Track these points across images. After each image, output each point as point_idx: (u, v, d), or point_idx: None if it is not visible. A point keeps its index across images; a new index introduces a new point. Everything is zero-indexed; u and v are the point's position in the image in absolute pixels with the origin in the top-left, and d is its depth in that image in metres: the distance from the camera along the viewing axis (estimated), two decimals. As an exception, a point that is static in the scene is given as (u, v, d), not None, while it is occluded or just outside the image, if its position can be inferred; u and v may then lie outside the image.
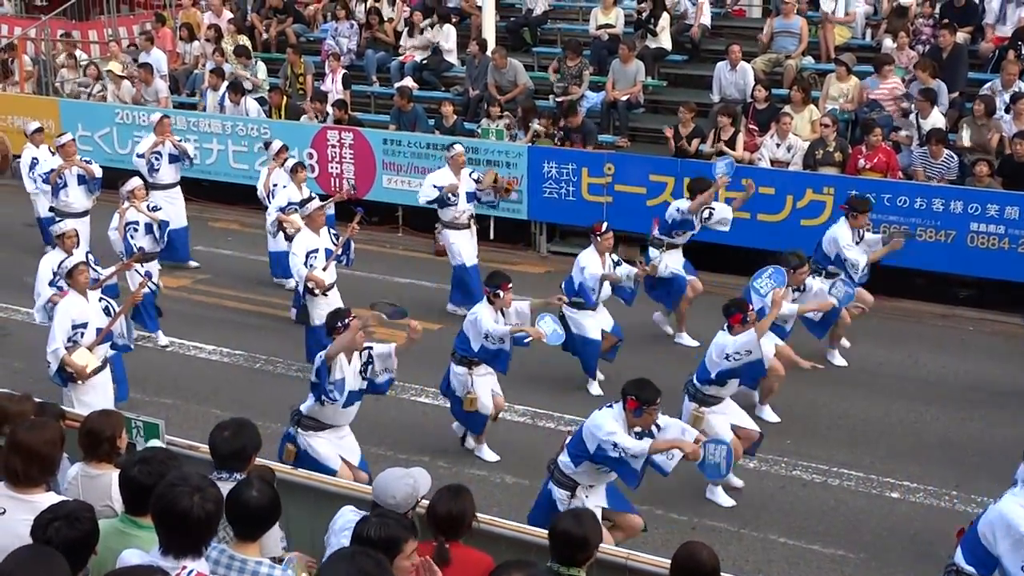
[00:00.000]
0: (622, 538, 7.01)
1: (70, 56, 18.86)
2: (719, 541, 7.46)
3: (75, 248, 9.42)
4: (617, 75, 14.71)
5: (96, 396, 8.34)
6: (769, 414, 9.45)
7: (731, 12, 17.04)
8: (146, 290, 9.35)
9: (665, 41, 15.38)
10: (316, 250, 10.15)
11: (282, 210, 11.68)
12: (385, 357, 7.60)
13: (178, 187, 13.61)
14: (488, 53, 15.46)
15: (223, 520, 4.17)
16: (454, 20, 16.81)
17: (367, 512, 4.83)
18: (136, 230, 11.12)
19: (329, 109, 15.28)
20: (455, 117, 14.77)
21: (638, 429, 6.74)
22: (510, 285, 8.69)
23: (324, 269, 10.10)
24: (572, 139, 13.84)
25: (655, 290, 10.94)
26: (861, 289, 10.54)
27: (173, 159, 13.40)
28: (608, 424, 6.66)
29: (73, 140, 13.14)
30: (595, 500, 6.93)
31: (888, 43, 14.14)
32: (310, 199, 10.99)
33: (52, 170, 12.77)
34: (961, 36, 13.72)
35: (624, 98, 14.60)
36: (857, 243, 10.33)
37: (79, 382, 8.40)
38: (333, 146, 14.93)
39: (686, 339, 11.15)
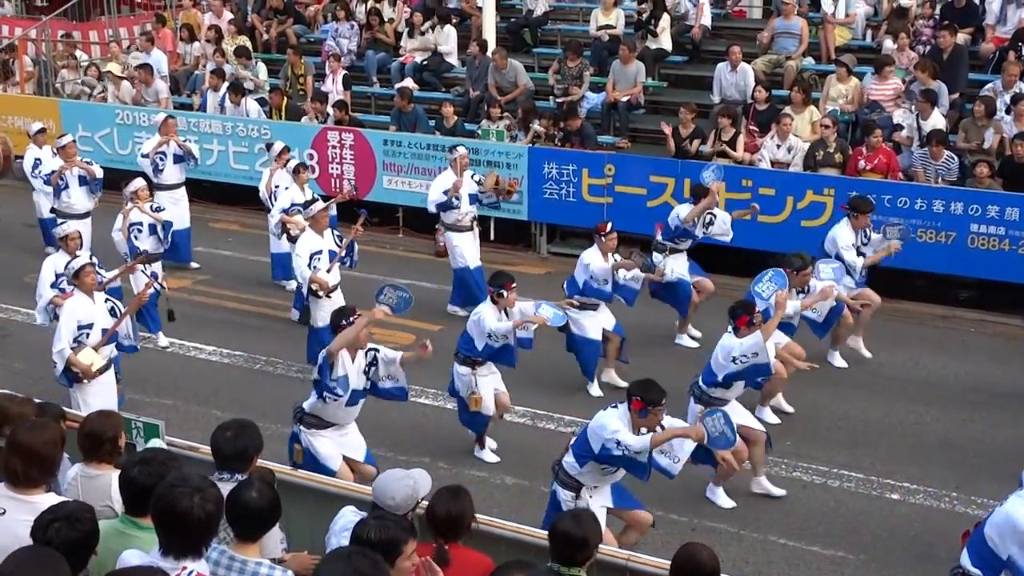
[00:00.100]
0: (636, 538, 7.00)
1: (71, 57, 18.87)
2: (719, 542, 7.46)
3: (79, 250, 9.42)
4: (617, 76, 14.71)
5: (101, 396, 8.34)
6: (769, 415, 9.44)
7: (731, 13, 17.05)
8: (151, 290, 9.33)
9: (665, 42, 15.38)
10: (320, 252, 10.14)
11: (285, 211, 11.63)
12: (390, 362, 7.58)
13: (183, 188, 13.61)
14: (488, 54, 15.46)
15: (223, 521, 4.17)
16: (454, 21, 16.81)
17: (367, 512, 4.84)
18: (140, 231, 11.09)
19: (330, 110, 15.28)
20: (455, 118, 14.77)
21: (644, 430, 6.74)
22: (514, 285, 8.68)
23: (328, 271, 10.09)
24: (571, 141, 13.84)
25: (660, 294, 10.92)
26: (868, 290, 10.53)
27: (178, 159, 13.38)
28: (612, 423, 6.67)
29: (74, 141, 13.15)
30: (600, 500, 6.95)
31: (888, 44, 14.14)
32: (313, 201, 10.97)
33: (53, 171, 12.78)
34: (961, 37, 13.72)
35: (624, 99, 14.60)
36: (864, 244, 10.32)
37: (85, 382, 8.40)
38: (333, 147, 14.93)
39: (686, 340, 11.16)
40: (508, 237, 14.29)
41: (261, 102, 15.82)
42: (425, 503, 5.00)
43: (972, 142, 12.45)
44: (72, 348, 8.37)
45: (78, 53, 19.29)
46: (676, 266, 10.76)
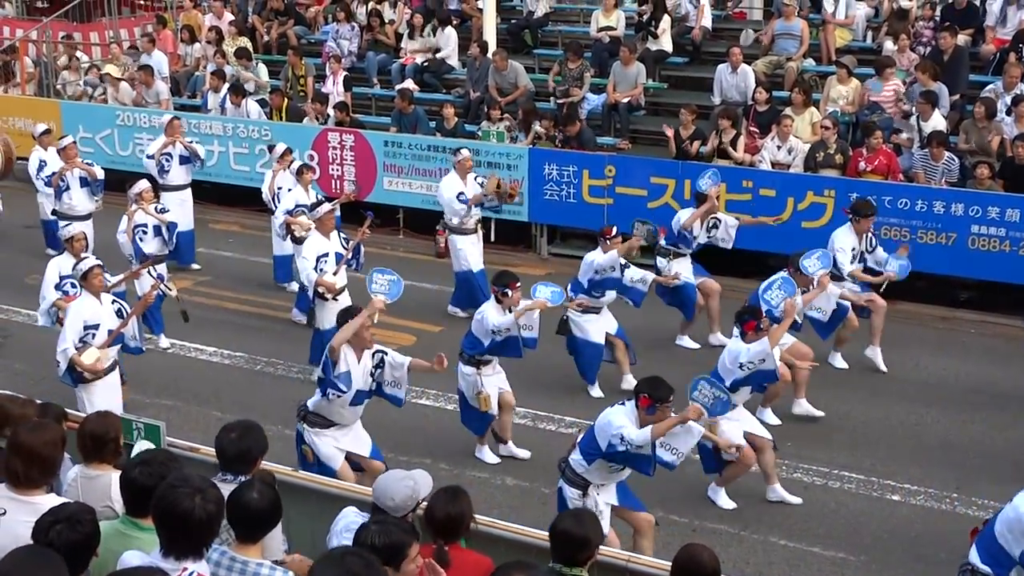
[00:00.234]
0: (649, 544, 6.97)
1: (73, 58, 18.88)
2: (720, 543, 7.47)
3: (84, 251, 9.41)
4: (618, 77, 14.72)
5: (106, 397, 8.33)
6: (770, 416, 9.44)
7: (732, 14, 17.06)
8: (157, 292, 9.33)
9: (666, 43, 15.39)
10: (326, 254, 10.10)
11: (290, 212, 11.58)
12: (398, 366, 7.55)
13: (188, 189, 13.60)
14: (489, 55, 15.47)
15: (224, 522, 4.17)
16: (455, 22, 16.82)
17: (368, 513, 4.84)
18: (145, 233, 11.02)
19: (330, 111, 15.29)
20: (456, 119, 14.78)
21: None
22: (518, 284, 8.68)
23: (334, 273, 10.06)
24: (571, 145, 13.84)
25: (665, 296, 10.91)
26: (874, 293, 10.50)
27: (184, 160, 13.38)
28: (618, 420, 6.69)
29: (74, 142, 13.13)
30: (606, 498, 6.95)
31: (889, 45, 14.15)
32: (320, 203, 10.95)
33: (54, 173, 12.77)
34: (962, 38, 13.72)
35: (625, 100, 14.61)
36: (869, 252, 10.30)
37: (90, 380, 8.41)
38: (334, 148, 14.94)
39: (687, 341, 11.16)
40: (508, 238, 14.29)
41: (262, 103, 15.82)
42: (425, 504, 5.00)
43: (972, 143, 12.45)
44: (77, 348, 8.37)
45: (79, 54, 19.30)
46: (680, 269, 10.75)
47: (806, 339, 9.62)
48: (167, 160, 13.31)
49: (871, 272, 10.31)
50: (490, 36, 16.01)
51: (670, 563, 4.81)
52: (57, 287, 9.52)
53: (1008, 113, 12.52)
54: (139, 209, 11.06)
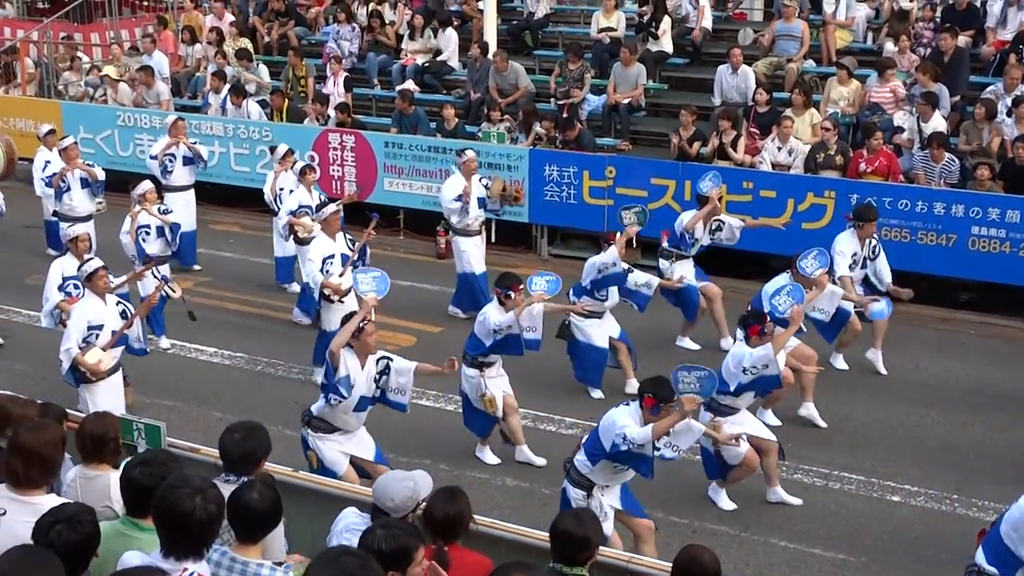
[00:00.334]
0: (652, 549, 6.96)
1: (74, 59, 18.88)
2: (720, 544, 7.46)
3: (88, 252, 9.40)
4: (618, 78, 14.72)
5: (109, 397, 8.34)
6: (770, 417, 9.43)
7: (732, 15, 17.07)
8: (161, 293, 9.32)
9: (666, 44, 15.39)
10: (332, 256, 10.08)
11: (293, 213, 11.56)
12: (403, 372, 7.54)
13: (191, 190, 13.58)
14: (489, 56, 15.48)
15: (225, 523, 4.17)
16: (455, 23, 16.83)
17: (369, 513, 4.83)
18: (148, 234, 10.99)
19: (331, 112, 15.29)
20: (456, 120, 14.78)
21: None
22: (521, 287, 8.68)
23: (340, 275, 10.04)
24: (571, 148, 13.82)
25: (668, 296, 10.90)
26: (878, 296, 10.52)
27: (187, 161, 13.37)
28: (621, 419, 6.70)
29: (75, 143, 13.07)
30: (610, 500, 6.96)
31: (889, 47, 14.16)
32: (325, 204, 10.94)
33: (55, 173, 12.76)
34: (962, 40, 13.73)
35: (625, 101, 14.61)
36: (872, 259, 10.30)
37: (94, 381, 8.40)
38: (335, 149, 14.94)
39: (687, 343, 11.16)
40: (509, 239, 14.29)
41: (262, 104, 15.83)
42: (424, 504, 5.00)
43: (973, 144, 12.46)
44: (80, 349, 8.38)
45: (80, 54, 19.30)
46: (683, 271, 10.73)
47: (809, 341, 9.62)
48: (170, 161, 13.29)
49: (867, 283, 10.34)
50: (491, 37, 16.02)
51: (671, 564, 4.81)
52: (60, 288, 9.51)
53: (1008, 114, 12.52)
54: (142, 210, 11.05)
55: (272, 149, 13.19)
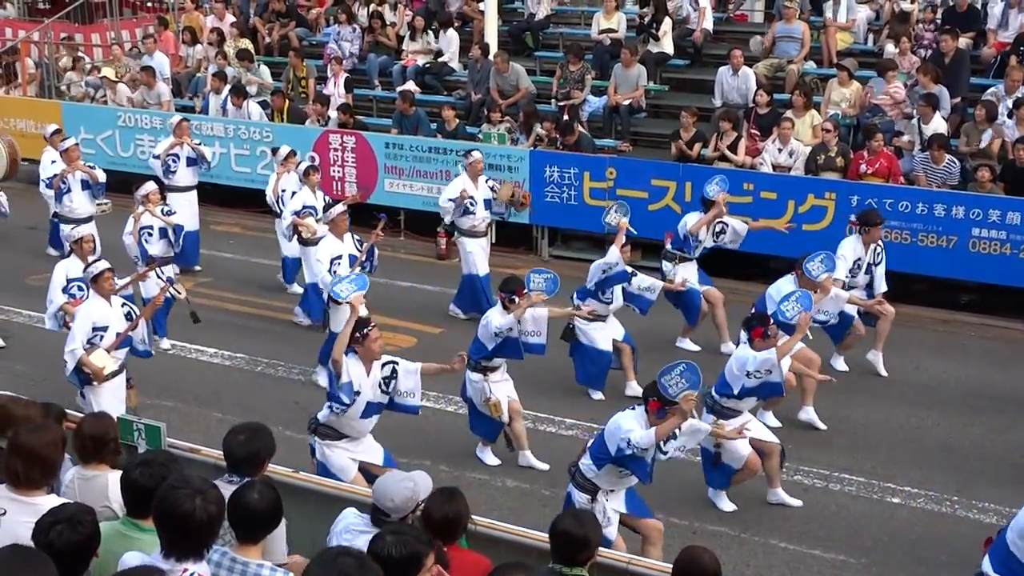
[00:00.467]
0: (658, 554, 6.95)
1: (77, 59, 18.89)
2: (720, 546, 7.46)
3: (92, 254, 9.39)
4: (619, 79, 14.73)
5: (112, 399, 8.35)
6: (770, 419, 9.43)
7: (733, 17, 17.08)
8: (167, 295, 9.31)
9: (667, 46, 15.40)
10: (340, 256, 10.08)
11: (297, 214, 11.55)
12: (411, 373, 7.52)
13: (194, 191, 13.55)
14: (490, 57, 15.48)
15: (225, 523, 4.17)
16: (456, 24, 16.84)
17: (368, 514, 4.83)
18: (151, 235, 10.94)
19: (332, 113, 15.29)
20: (457, 121, 14.78)
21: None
22: (525, 291, 8.69)
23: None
24: (571, 149, 13.84)
25: (670, 297, 10.90)
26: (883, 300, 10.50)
27: (191, 162, 13.36)
28: (627, 424, 6.71)
29: (77, 145, 13.01)
30: (615, 504, 6.95)
31: (890, 48, 14.16)
32: (330, 205, 10.93)
33: (55, 175, 12.74)
34: (963, 41, 13.73)
35: (626, 102, 14.61)
36: (875, 264, 10.29)
37: (96, 384, 8.41)
38: (335, 150, 14.94)
39: (687, 344, 11.14)
40: (510, 240, 14.29)
41: (263, 105, 15.83)
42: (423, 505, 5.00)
43: (973, 146, 12.46)
44: (85, 349, 8.38)
45: (81, 54, 19.31)
46: (687, 274, 10.72)
47: (813, 345, 9.61)
48: (173, 161, 13.27)
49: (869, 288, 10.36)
50: (491, 38, 16.02)
51: (671, 565, 4.81)
52: (64, 290, 9.49)
53: (1009, 116, 12.52)
54: (146, 211, 11.03)
55: (274, 151, 13.18)
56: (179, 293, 9.90)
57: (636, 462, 6.69)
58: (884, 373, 10.61)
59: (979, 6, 14.37)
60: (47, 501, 4.46)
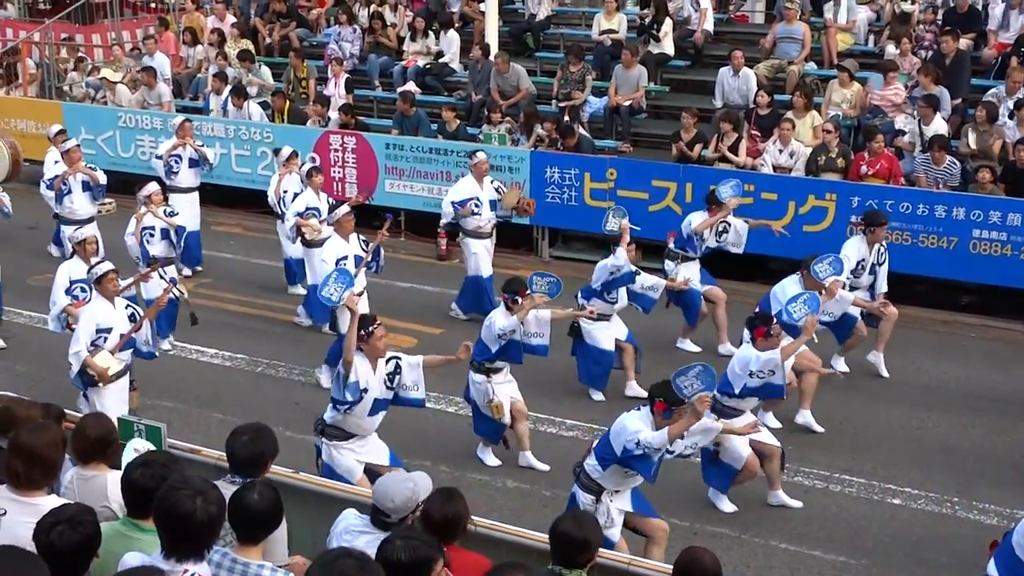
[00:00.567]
0: (661, 553, 6.95)
1: (79, 59, 18.89)
2: (721, 546, 7.46)
3: (95, 255, 9.38)
4: (620, 80, 14.73)
5: (116, 400, 8.35)
6: (771, 420, 9.43)
7: (734, 18, 17.08)
8: (170, 296, 9.32)
9: (668, 46, 15.40)
10: (346, 257, 10.08)
11: (300, 215, 11.54)
12: (414, 367, 7.55)
13: (196, 192, 13.52)
14: (491, 58, 15.48)
15: (226, 524, 4.17)
16: (457, 25, 16.85)
17: (369, 515, 4.83)
18: (152, 235, 10.91)
19: (333, 114, 15.29)
20: (457, 122, 14.78)
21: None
22: (528, 292, 8.69)
23: (354, 276, 10.01)
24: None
25: (671, 297, 10.90)
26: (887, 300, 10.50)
27: (193, 163, 13.34)
28: (633, 424, 6.71)
29: (78, 146, 12.95)
30: (620, 504, 6.95)
31: (891, 49, 14.16)
32: (336, 206, 10.92)
33: (56, 176, 12.72)
34: (964, 42, 13.73)
35: (627, 103, 14.61)
36: (879, 264, 10.29)
37: (101, 385, 8.40)
38: (336, 150, 14.94)
39: (688, 344, 11.15)
40: (510, 241, 14.27)
41: (264, 105, 15.83)
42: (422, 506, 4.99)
43: (974, 147, 12.46)
44: (89, 351, 8.38)
45: (82, 54, 19.32)
46: (689, 274, 10.72)
47: (818, 347, 9.61)
48: (176, 162, 13.26)
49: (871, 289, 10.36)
50: (492, 39, 16.02)
51: (671, 566, 4.81)
52: (67, 292, 9.45)
53: (1010, 117, 12.52)
54: (148, 212, 11.02)
55: (276, 152, 13.17)
56: (182, 294, 9.90)
57: (642, 462, 6.69)
58: (885, 374, 10.61)
59: (980, 7, 14.38)
60: (48, 501, 4.46)
